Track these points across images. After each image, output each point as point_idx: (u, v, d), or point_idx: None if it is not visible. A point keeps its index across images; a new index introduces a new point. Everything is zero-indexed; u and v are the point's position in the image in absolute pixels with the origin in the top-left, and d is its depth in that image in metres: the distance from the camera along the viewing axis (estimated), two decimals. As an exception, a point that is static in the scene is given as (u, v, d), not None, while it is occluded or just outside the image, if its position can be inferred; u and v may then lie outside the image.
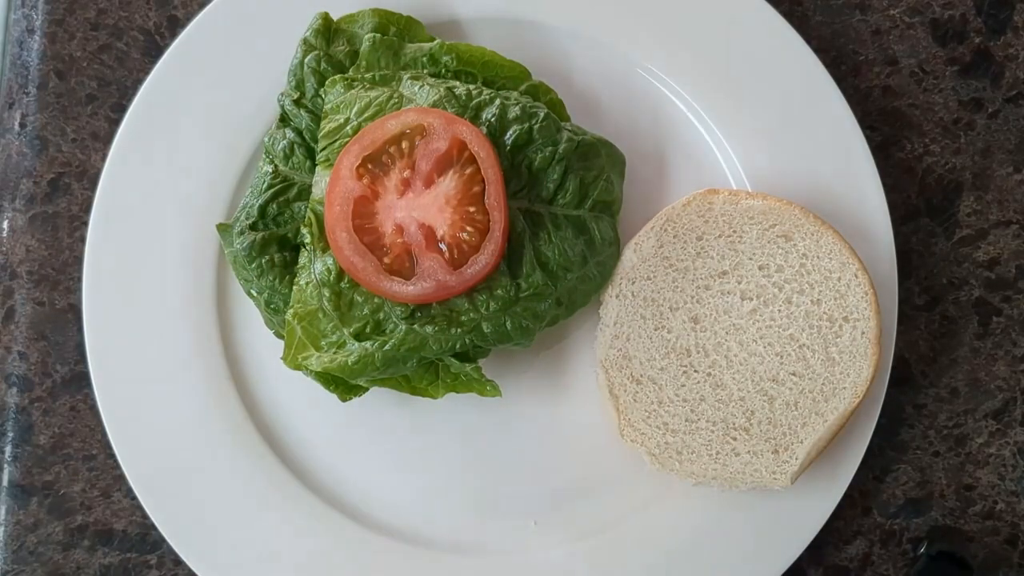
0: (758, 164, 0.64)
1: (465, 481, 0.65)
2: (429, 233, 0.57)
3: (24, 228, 0.67)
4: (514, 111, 0.59)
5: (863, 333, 0.61)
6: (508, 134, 0.59)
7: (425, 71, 0.61)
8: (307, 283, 0.60)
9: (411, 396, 0.61)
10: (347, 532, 0.64)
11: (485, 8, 0.64)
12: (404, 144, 0.57)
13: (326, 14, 0.62)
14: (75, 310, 0.66)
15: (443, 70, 0.62)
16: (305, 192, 0.61)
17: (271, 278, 0.61)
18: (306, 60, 0.61)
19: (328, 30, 0.62)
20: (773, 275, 0.62)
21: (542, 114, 0.59)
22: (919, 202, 0.67)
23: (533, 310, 0.60)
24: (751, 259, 0.62)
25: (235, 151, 0.64)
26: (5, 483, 0.66)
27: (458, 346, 0.59)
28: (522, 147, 0.59)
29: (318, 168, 0.60)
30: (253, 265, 0.61)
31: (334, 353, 0.59)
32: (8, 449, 0.66)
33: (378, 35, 0.61)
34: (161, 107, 0.63)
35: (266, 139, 0.62)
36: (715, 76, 0.64)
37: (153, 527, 0.61)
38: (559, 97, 0.63)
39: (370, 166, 0.57)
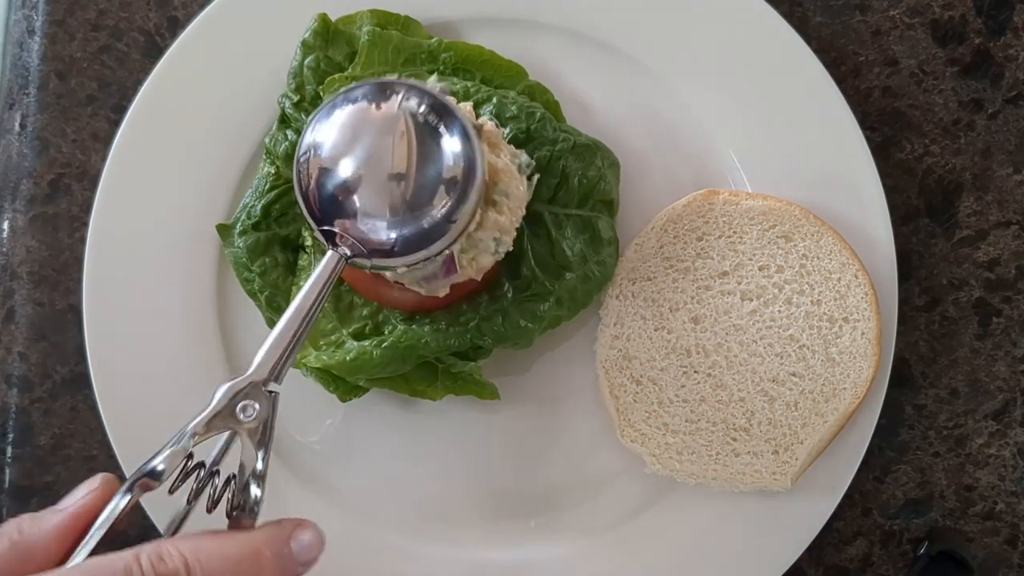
0: (758, 164, 0.64)
1: (464, 481, 0.65)
2: None
3: (24, 229, 0.67)
4: (511, 109, 0.59)
5: (863, 334, 0.61)
6: (505, 132, 0.59)
7: (423, 68, 0.62)
8: (307, 286, 0.60)
9: (411, 397, 0.62)
10: (346, 531, 0.64)
11: (483, 8, 0.64)
12: None
13: (324, 15, 0.61)
14: (75, 311, 0.66)
15: (441, 67, 0.62)
16: (307, 194, 0.61)
17: (274, 277, 0.61)
18: (305, 62, 0.61)
19: (327, 31, 0.62)
20: (773, 276, 0.62)
21: (539, 113, 0.59)
22: (919, 203, 0.67)
23: (532, 311, 0.60)
24: (751, 260, 0.62)
25: (235, 151, 0.64)
26: (6, 484, 0.67)
27: (456, 345, 0.59)
28: (520, 145, 0.59)
29: (318, 171, 0.60)
30: (256, 264, 0.61)
31: (333, 351, 0.59)
32: (8, 450, 0.67)
33: (377, 29, 0.61)
34: (161, 108, 0.63)
35: (267, 140, 0.62)
36: (714, 76, 0.64)
37: (153, 527, 0.61)
38: (555, 98, 0.63)
39: None
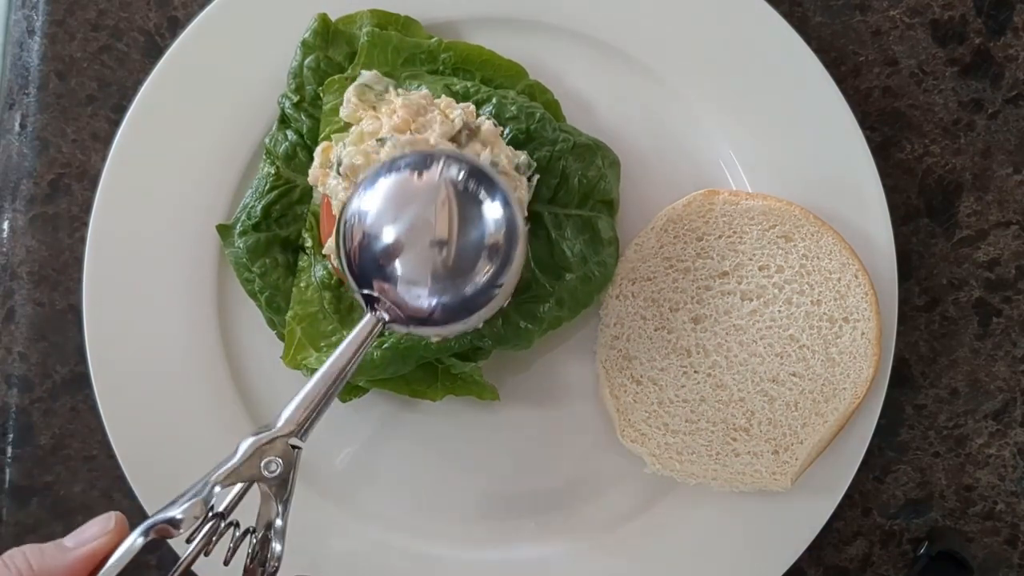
0: (758, 164, 0.64)
1: (464, 482, 0.65)
2: None
3: (24, 229, 0.67)
4: (510, 110, 0.59)
5: (863, 334, 0.61)
6: (505, 132, 0.59)
7: (423, 68, 0.62)
8: (307, 286, 0.60)
9: (411, 398, 0.62)
10: (345, 531, 0.64)
11: (483, 8, 0.64)
12: None
13: (324, 15, 0.61)
14: (75, 310, 0.66)
15: (441, 67, 0.62)
16: (307, 195, 0.61)
17: (274, 278, 0.61)
18: (305, 62, 0.61)
19: (327, 31, 0.62)
20: (773, 276, 0.62)
21: (538, 113, 0.59)
22: (919, 203, 0.67)
23: (532, 312, 0.60)
24: (752, 260, 0.62)
25: (235, 151, 0.64)
26: (6, 484, 0.66)
27: (456, 347, 0.59)
28: (519, 146, 0.59)
29: (318, 172, 0.60)
30: (256, 265, 0.61)
31: (333, 353, 0.59)
32: (8, 450, 0.67)
33: (376, 29, 0.61)
34: (161, 107, 0.63)
35: (267, 140, 0.62)
36: (715, 76, 0.64)
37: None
38: (555, 98, 0.63)
39: None
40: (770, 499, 0.62)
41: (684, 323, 0.62)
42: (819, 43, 0.67)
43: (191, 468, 0.62)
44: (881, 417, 0.62)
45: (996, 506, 0.67)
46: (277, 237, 0.62)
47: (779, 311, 0.62)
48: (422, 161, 0.52)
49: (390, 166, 0.52)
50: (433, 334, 0.54)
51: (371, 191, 0.51)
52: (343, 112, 0.58)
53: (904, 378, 0.67)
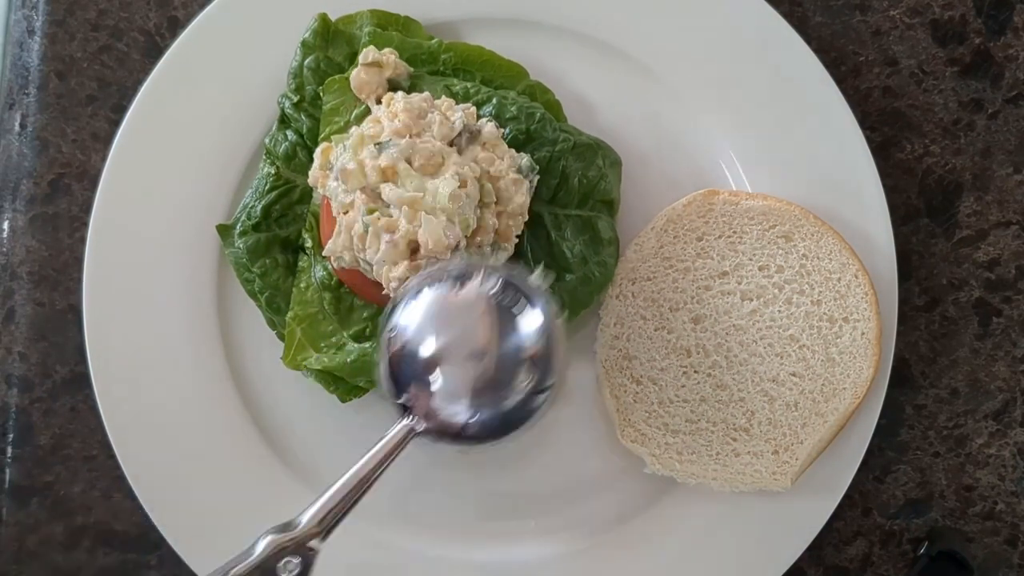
0: (758, 164, 0.64)
1: (464, 482, 0.65)
2: None
3: (24, 229, 0.67)
4: (511, 110, 0.59)
5: (863, 334, 0.61)
6: (505, 133, 0.59)
7: (424, 69, 0.62)
8: (307, 286, 0.60)
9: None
10: (344, 531, 0.64)
11: (484, 8, 0.64)
12: None
13: (324, 15, 0.62)
14: (75, 310, 0.66)
15: (442, 68, 0.62)
16: (307, 195, 0.61)
17: (274, 278, 0.61)
18: (305, 62, 0.61)
19: (327, 31, 0.62)
20: (773, 276, 0.62)
21: (539, 114, 0.59)
22: (919, 203, 0.67)
23: (532, 313, 0.60)
24: (751, 260, 0.62)
25: (235, 151, 0.64)
26: (6, 484, 0.66)
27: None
28: (520, 146, 0.59)
29: (319, 172, 0.60)
30: (256, 265, 0.61)
31: (334, 353, 0.59)
32: (9, 450, 0.67)
33: (377, 29, 0.61)
34: (161, 108, 0.63)
35: (267, 140, 0.62)
36: (714, 76, 0.64)
37: (153, 528, 0.61)
38: (556, 98, 0.63)
39: None
40: (770, 499, 0.62)
41: (684, 323, 0.62)
42: (819, 43, 0.67)
43: (190, 468, 0.63)
44: (881, 417, 0.62)
45: (996, 506, 0.67)
46: (277, 237, 0.62)
47: (779, 311, 0.62)
48: (462, 274, 0.52)
49: (431, 276, 0.53)
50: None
51: (413, 304, 0.52)
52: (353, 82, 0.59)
53: (904, 378, 0.67)
